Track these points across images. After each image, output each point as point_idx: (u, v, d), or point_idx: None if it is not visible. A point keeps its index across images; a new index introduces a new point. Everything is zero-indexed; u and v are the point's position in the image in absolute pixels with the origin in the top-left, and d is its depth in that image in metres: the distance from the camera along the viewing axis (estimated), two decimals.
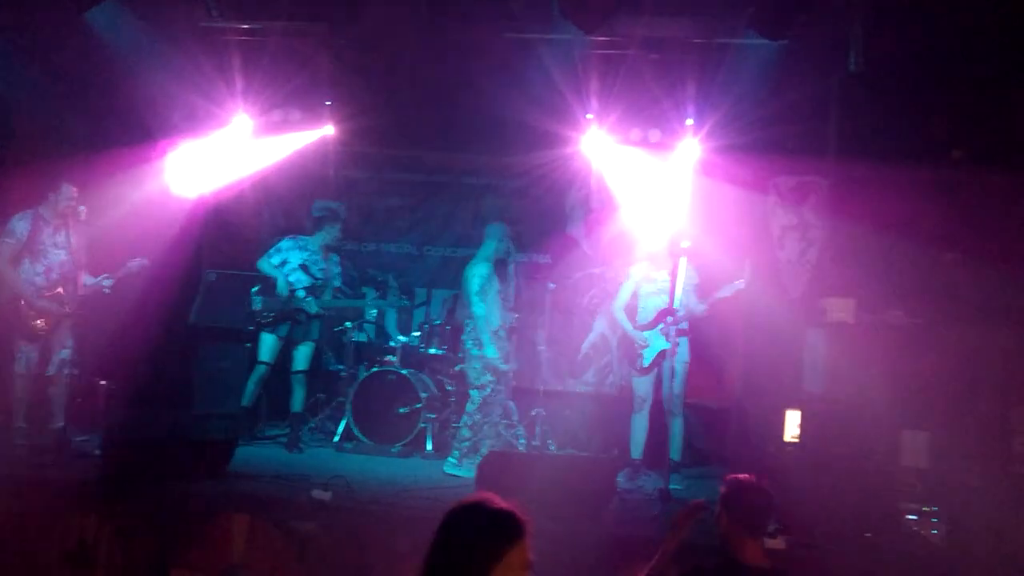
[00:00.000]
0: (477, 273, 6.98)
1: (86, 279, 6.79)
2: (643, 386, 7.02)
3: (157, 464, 5.63)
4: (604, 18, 7.12)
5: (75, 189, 6.71)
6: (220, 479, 5.91)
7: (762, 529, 3.66)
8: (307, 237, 7.55)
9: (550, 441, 7.89)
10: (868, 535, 5.59)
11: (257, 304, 7.29)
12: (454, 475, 6.73)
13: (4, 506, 5.52)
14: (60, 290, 6.68)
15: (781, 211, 8.40)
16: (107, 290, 6.86)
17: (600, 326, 8.77)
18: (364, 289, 8.72)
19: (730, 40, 6.82)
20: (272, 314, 7.28)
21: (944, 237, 6.44)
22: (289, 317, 7.36)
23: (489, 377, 6.92)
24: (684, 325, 7.00)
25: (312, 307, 7.34)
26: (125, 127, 8.11)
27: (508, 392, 7.49)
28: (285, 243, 7.49)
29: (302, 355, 7.47)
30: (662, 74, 7.83)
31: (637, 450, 7.12)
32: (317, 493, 5.59)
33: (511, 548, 2.41)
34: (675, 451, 7.08)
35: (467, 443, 6.82)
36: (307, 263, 7.44)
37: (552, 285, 8.16)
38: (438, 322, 8.13)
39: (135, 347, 8.07)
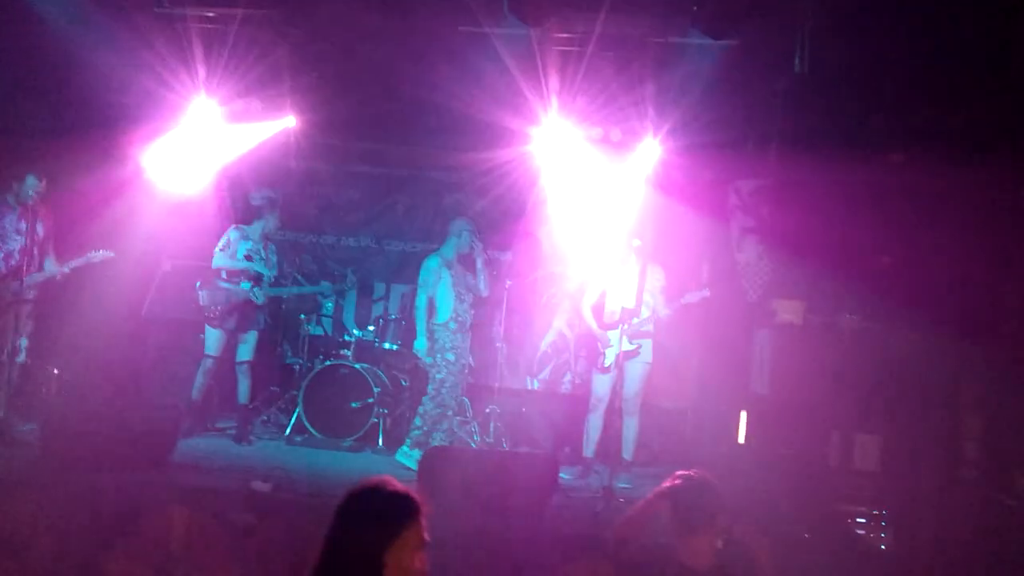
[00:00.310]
0: (425, 266, 7.02)
1: (48, 265, 6.74)
2: (602, 386, 7.02)
3: (96, 454, 5.56)
4: (552, 12, 7.13)
5: (42, 181, 6.70)
6: (162, 470, 5.85)
7: (706, 528, 3.54)
8: (247, 227, 7.48)
9: (504, 439, 7.89)
10: (807, 536, 5.59)
11: (203, 299, 7.24)
12: (406, 466, 6.69)
13: None
14: (20, 278, 6.60)
15: (740, 213, 8.43)
16: (59, 277, 6.79)
17: (559, 324, 8.78)
18: (323, 283, 8.67)
19: (685, 40, 6.80)
20: (218, 307, 7.23)
21: (884, 240, 6.49)
22: (235, 309, 7.31)
23: (440, 370, 6.90)
24: (648, 327, 7.00)
25: (259, 298, 7.29)
26: (82, 113, 8.02)
27: (463, 388, 7.46)
28: (233, 234, 7.43)
29: (246, 345, 7.42)
30: (620, 72, 7.84)
31: (589, 448, 7.12)
32: (257, 485, 5.57)
33: (406, 528, 2.49)
34: (627, 451, 7.09)
35: (418, 431, 6.80)
36: (251, 253, 7.40)
37: (509, 282, 8.14)
38: (393, 317, 8.09)
39: (90, 336, 8.02)
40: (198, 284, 7.31)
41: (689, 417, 8.55)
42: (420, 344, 6.97)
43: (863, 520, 6.45)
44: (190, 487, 5.65)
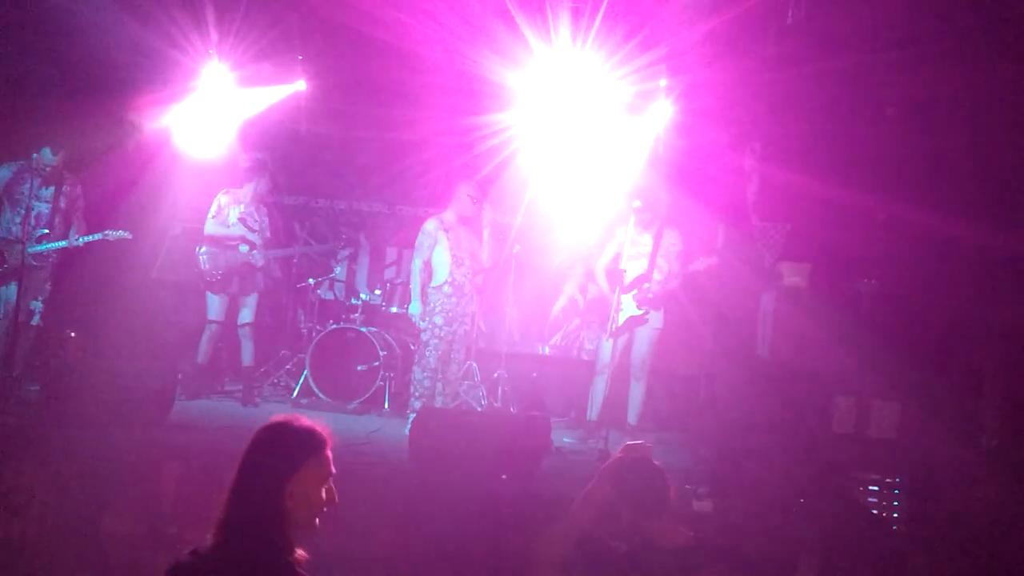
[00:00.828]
0: (423, 229, 6.96)
1: (69, 235, 6.86)
2: (608, 350, 6.92)
3: (92, 413, 5.61)
4: None
5: (58, 153, 6.78)
6: (159, 430, 5.89)
7: (661, 510, 3.29)
8: (238, 189, 7.47)
9: (512, 403, 7.86)
10: (801, 501, 5.47)
11: (204, 263, 7.27)
12: None
13: None
14: (36, 241, 6.74)
15: (757, 176, 8.24)
16: (71, 248, 6.90)
17: (570, 289, 8.68)
18: (314, 244, 8.67)
19: None
20: (220, 272, 7.25)
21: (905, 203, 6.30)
22: (235, 273, 7.33)
23: (425, 332, 6.88)
24: (658, 290, 6.89)
25: (258, 260, 7.30)
26: (94, 77, 8.04)
27: (464, 351, 7.39)
28: (223, 199, 7.41)
29: (248, 308, 7.43)
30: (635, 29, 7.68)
31: (594, 412, 7.05)
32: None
33: (307, 460, 2.52)
34: (632, 415, 7.03)
35: (416, 401, 6.76)
36: (244, 216, 7.39)
37: (517, 247, 8.06)
38: (401, 280, 8.07)
39: (104, 299, 8.12)
40: (198, 249, 7.34)
41: (701, 384, 8.44)
42: (414, 308, 6.92)
43: (875, 488, 6.32)
44: (183, 446, 5.67)
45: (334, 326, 7.68)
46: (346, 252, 8.93)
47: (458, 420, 5.67)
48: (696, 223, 8.11)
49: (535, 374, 8.22)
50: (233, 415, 6.77)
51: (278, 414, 2.61)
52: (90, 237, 6.85)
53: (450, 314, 6.87)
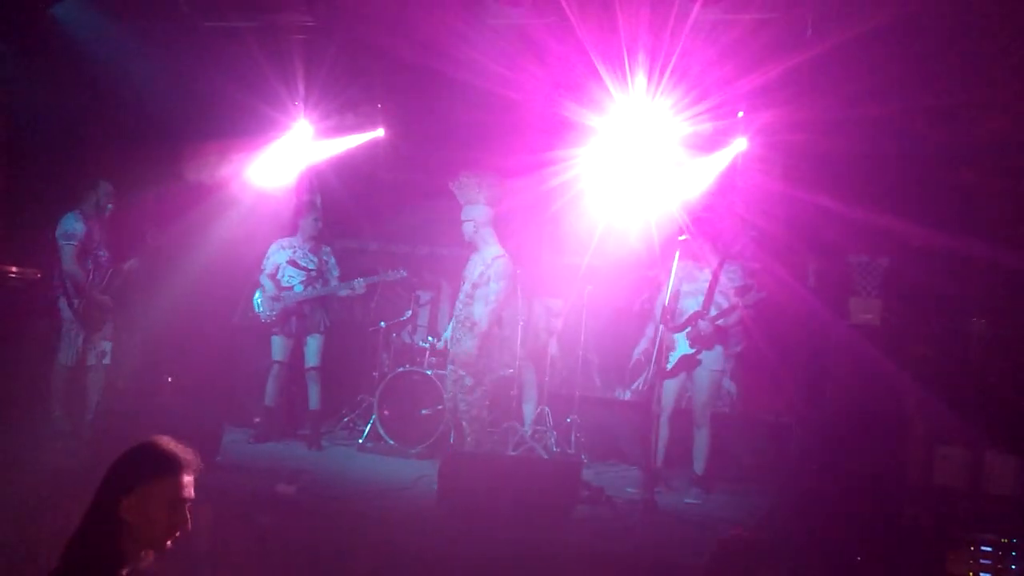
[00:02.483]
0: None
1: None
2: (667, 392, 6.57)
3: None
4: None
5: (111, 185, 7.04)
6: (208, 470, 5.94)
7: None
8: (290, 237, 7.65)
9: (584, 450, 7.58)
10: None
11: (259, 306, 7.49)
12: None
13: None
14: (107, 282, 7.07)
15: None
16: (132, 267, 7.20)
17: (651, 331, 8.34)
18: (417, 293, 8.70)
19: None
20: (274, 313, 7.40)
21: None
22: (292, 313, 7.45)
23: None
24: (710, 329, 6.51)
25: (297, 296, 7.45)
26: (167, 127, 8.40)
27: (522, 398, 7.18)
28: (271, 248, 7.63)
29: (312, 350, 7.53)
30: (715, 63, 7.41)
31: (656, 457, 6.67)
32: (282, 487, 5.56)
33: (152, 480, 2.60)
34: (698, 464, 6.61)
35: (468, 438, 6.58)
36: (295, 258, 7.53)
37: (589, 287, 7.84)
38: None
39: (191, 345, 8.42)
40: (255, 296, 7.57)
41: (795, 432, 7.88)
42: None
43: (989, 549, 5.73)
44: (224, 488, 5.70)
45: (400, 369, 7.64)
46: (428, 296, 8.92)
47: (487, 464, 5.46)
48: (785, 258, 7.72)
49: (606, 419, 7.91)
50: (287, 458, 6.78)
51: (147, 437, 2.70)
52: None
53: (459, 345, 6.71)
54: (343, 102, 8.66)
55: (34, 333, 7.21)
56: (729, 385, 8.07)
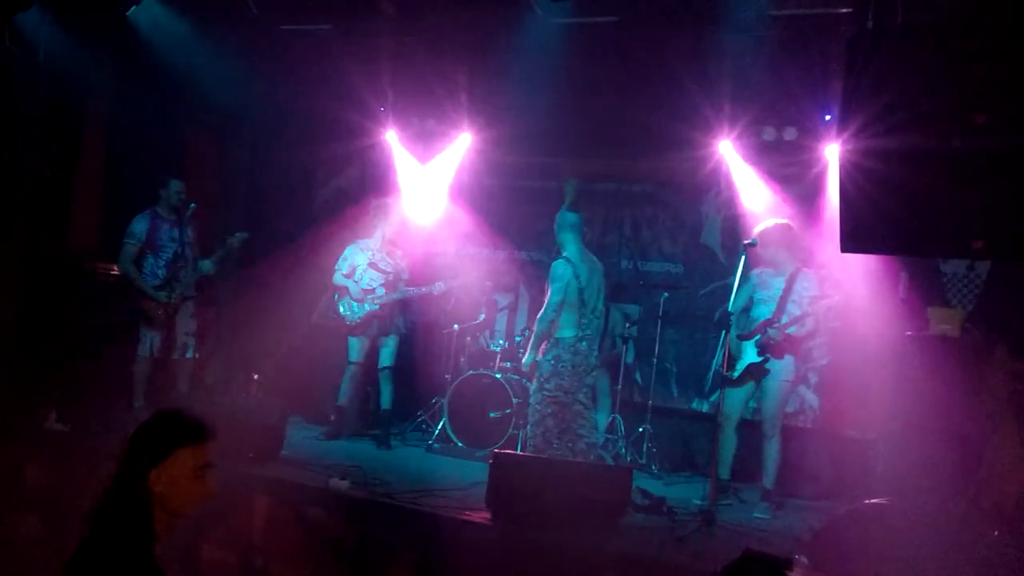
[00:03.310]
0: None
1: (202, 265, 7.28)
2: (731, 400, 6.35)
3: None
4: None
5: (183, 184, 7.20)
6: (268, 465, 6.05)
7: None
8: (367, 239, 7.65)
9: (655, 461, 7.41)
10: None
11: (344, 311, 7.52)
12: None
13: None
14: (176, 280, 7.15)
15: None
16: (211, 272, 7.34)
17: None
18: (495, 296, 8.71)
19: None
20: (359, 317, 7.46)
21: None
22: (375, 316, 7.50)
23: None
24: (779, 336, 6.26)
25: (382, 298, 7.46)
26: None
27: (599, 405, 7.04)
28: (348, 250, 7.63)
29: (388, 350, 7.57)
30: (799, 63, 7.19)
31: (725, 469, 6.46)
32: (334, 482, 5.60)
33: (177, 449, 2.68)
34: (768, 478, 6.34)
35: (530, 442, 6.48)
36: (375, 261, 7.55)
37: (665, 294, 7.68)
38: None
39: (277, 343, 8.63)
40: (336, 297, 7.59)
41: (882, 449, 7.49)
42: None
43: None
44: (282, 481, 5.78)
45: (471, 372, 7.63)
46: (507, 300, 8.91)
47: (536, 468, 5.35)
48: (873, 269, 7.40)
49: (680, 430, 7.72)
50: (354, 455, 6.80)
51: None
52: (219, 254, 7.26)
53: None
54: (428, 106, 8.76)
55: (122, 326, 7.48)
56: (812, 399, 7.77)
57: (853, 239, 4.03)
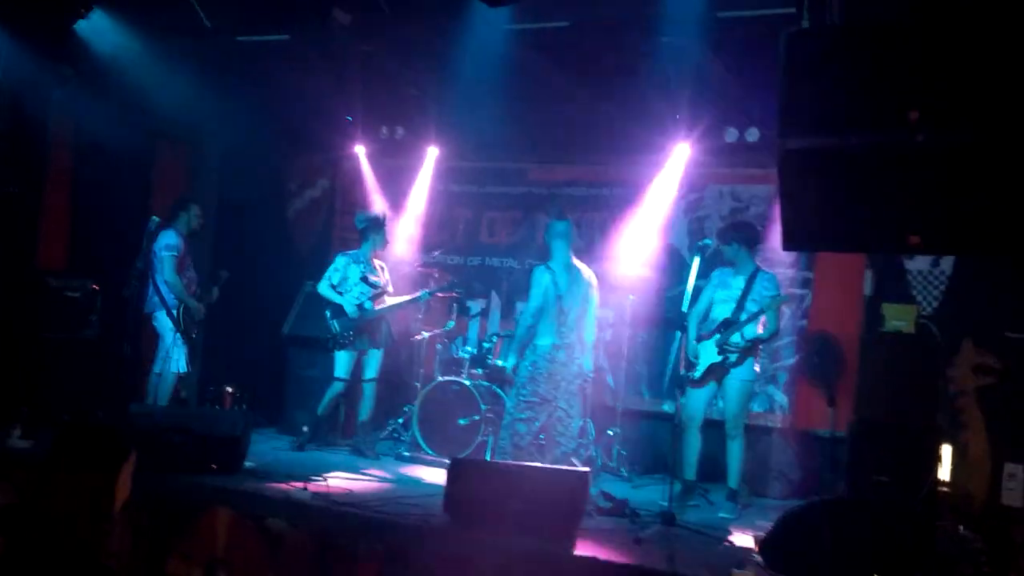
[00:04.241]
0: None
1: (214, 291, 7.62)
2: (693, 401, 6.39)
3: (165, 457, 5.87)
4: None
5: (200, 207, 7.51)
6: (231, 475, 6.05)
7: None
8: (356, 251, 7.64)
9: (625, 464, 7.42)
10: None
11: (336, 328, 7.46)
12: None
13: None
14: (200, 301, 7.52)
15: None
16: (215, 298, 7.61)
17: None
18: (468, 303, 8.73)
19: None
20: (351, 333, 7.43)
21: None
22: (365, 330, 7.49)
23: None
24: (741, 341, 6.29)
25: (374, 312, 7.49)
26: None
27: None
28: (340, 260, 7.60)
29: (373, 363, 7.58)
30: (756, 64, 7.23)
31: (690, 471, 6.48)
32: (297, 492, 5.60)
33: (96, 461, 2.65)
34: (732, 478, 6.38)
35: (499, 446, 6.51)
36: (366, 274, 7.54)
37: (632, 297, 7.70)
38: (504, 333, 7.93)
39: (247, 355, 8.63)
40: (328, 313, 7.53)
41: (849, 447, 7.52)
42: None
43: None
44: (245, 492, 5.78)
45: (440, 379, 7.63)
46: (478, 307, 8.92)
47: (493, 473, 5.37)
48: (842, 267, 7.46)
49: (649, 432, 7.74)
50: (321, 466, 6.80)
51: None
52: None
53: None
54: (393, 115, 8.80)
55: (88, 343, 7.51)
56: (781, 399, 7.80)
57: (793, 236, 4.04)
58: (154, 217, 7.07)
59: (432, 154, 8.89)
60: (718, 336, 6.32)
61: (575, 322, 6.67)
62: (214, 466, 6.00)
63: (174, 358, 7.29)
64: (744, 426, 6.43)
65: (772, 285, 6.39)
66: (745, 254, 6.47)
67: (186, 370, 7.41)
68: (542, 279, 6.64)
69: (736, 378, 6.26)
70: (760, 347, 6.44)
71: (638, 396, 8.16)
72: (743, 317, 6.26)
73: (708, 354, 6.36)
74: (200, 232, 7.73)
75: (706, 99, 7.52)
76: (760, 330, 6.28)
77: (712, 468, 6.81)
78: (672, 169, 8.01)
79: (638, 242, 8.26)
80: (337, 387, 7.54)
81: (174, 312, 7.28)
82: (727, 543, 5.36)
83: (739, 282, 6.42)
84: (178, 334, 7.27)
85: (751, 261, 6.48)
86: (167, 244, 7.23)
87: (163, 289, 7.22)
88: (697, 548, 5.21)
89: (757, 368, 6.47)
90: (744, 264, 6.48)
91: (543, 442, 6.56)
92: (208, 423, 6.13)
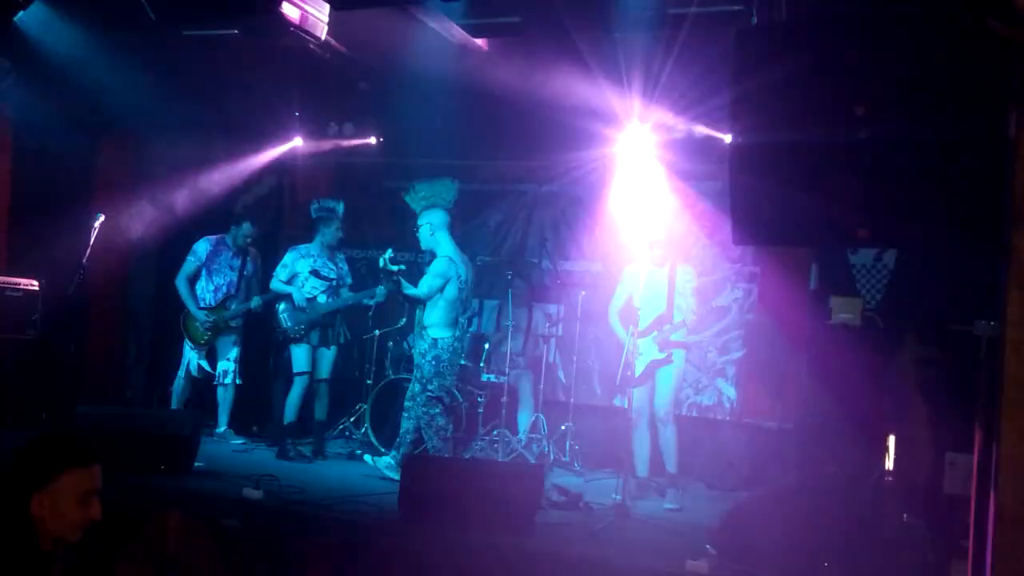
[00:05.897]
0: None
1: (253, 300, 7.62)
2: (638, 398, 6.45)
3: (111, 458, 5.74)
4: None
5: (255, 227, 7.77)
6: (181, 476, 5.98)
7: None
8: (307, 244, 7.54)
9: (578, 459, 7.46)
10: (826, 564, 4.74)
11: (287, 321, 7.36)
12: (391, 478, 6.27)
13: None
14: (224, 307, 7.63)
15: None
16: (256, 309, 7.65)
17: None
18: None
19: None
20: (302, 326, 7.33)
21: None
22: (317, 324, 7.39)
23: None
24: (679, 336, 6.39)
25: (324, 307, 7.39)
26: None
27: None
28: (289, 256, 7.49)
29: (326, 362, 7.48)
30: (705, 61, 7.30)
31: (643, 467, 6.54)
32: (248, 492, 5.55)
33: (59, 474, 2.57)
34: (670, 463, 6.49)
35: (430, 444, 6.52)
36: (316, 268, 7.43)
37: (583, 292, 7.75)
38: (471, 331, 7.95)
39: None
40: (277, 307, 7.44)
41: (794, 439, 7.65)
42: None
43: None
44: (195, 493, 5.71)
45: (392, 377, 7.61)
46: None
47: (446, 468, 5.38)
48: (787, 262, 7.57)
49: (602, 427, 7.77)
50: (272, 465, 6.74)
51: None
52: (265, 297, 7.59)
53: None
54: (338, 110, 8.75)
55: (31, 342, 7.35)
56: (730, 391, 7.91)
57: (742, 231, 4.10)
58: (98, 214, 6.92)
59: (375, 150, 8.85)
60: (655, 334, 6.38)
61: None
62: (163, 467, 5.90)
63: (183, 361, 7.66)
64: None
65: (692, 277, 6.64)
66: (660, 250, 6.61)
67: (196, 374, 7.66)
68: (448, 271, 6.74)
69: (672, 367, 6.40)
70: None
71: (590, 391, 8.22)
72: (677, 316, 6.39)
73: (649, 352, 6.42)
74: (245, 250, 7.83)
75: (656, 96, 7.58)
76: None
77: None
78: (621, 164, 8.05)
79: (591, 238, 8.31)
80: (303, 381, 7.36)
81: (181, 316, 7.61)
82: (681, 535, 5.42)
83: (662, 276, 6.52)
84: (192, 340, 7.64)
85: (668, 255, 6.60)
86: (192, 249, 7.66)
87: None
88: (652, 540, 5.27)
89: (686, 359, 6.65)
90: (663, 259, 6.59)
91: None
92: (156, 423, 6.03)
